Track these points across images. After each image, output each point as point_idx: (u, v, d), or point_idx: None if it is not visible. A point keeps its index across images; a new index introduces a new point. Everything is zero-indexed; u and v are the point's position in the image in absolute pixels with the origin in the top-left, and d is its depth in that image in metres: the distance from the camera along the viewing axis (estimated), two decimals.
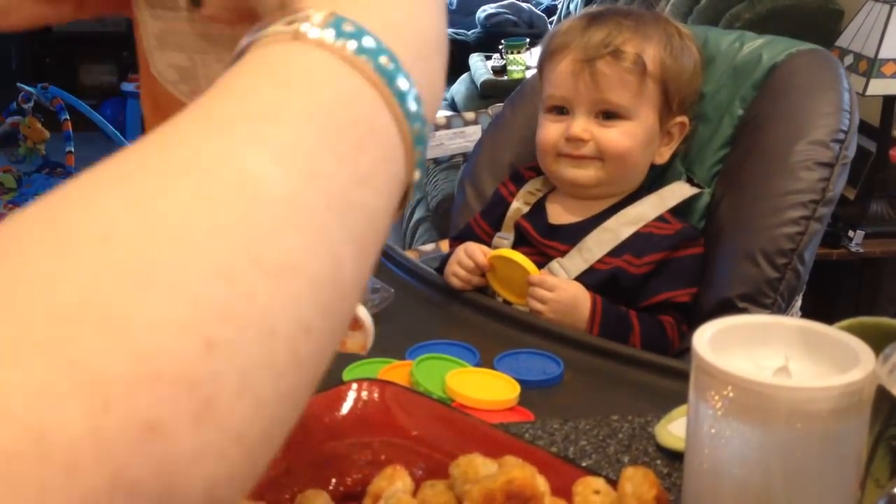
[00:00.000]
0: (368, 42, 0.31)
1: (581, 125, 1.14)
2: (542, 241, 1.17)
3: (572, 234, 1.15)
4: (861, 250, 2.06)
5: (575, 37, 1.15)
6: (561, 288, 1.07)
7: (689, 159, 1.24)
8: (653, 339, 1.07)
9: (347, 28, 0.30)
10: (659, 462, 0.72)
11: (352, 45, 0.30)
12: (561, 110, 1.17)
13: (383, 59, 0.31)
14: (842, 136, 1.12)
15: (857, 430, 0.50)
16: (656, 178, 1.22)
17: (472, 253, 1.12)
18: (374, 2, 0.33)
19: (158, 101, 0.44)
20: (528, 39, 3.56)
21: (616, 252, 1.13)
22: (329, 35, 0.30)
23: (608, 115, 1.14)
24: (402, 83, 0.31)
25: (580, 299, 1.07)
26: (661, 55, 1.14)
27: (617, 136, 1.14)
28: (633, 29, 1.14)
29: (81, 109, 3.86)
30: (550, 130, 1.17)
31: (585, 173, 1.15)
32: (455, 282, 1.12)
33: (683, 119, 1.19)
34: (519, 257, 1.09)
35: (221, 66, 0.42)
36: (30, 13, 0.41)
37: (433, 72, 0.34)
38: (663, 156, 1.19)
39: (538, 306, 1.06)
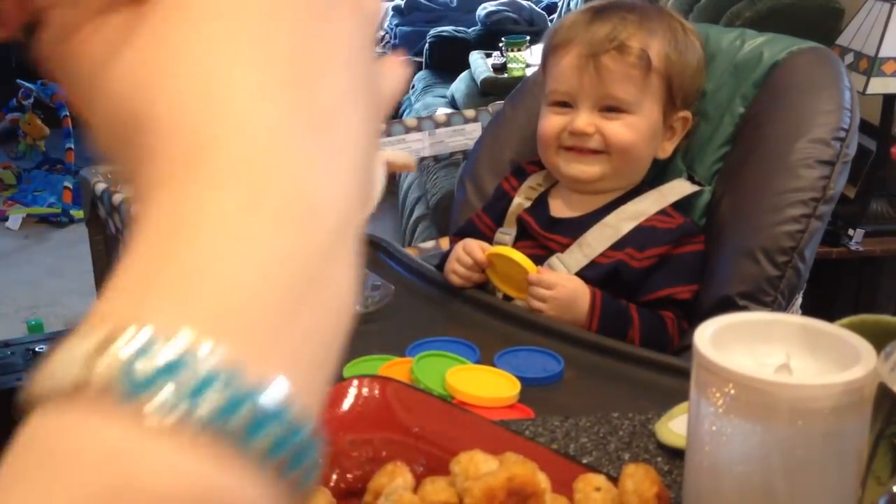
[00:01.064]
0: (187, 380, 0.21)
1: (585, 119, 1.14)
2: (544, 233, 1.17)
3: (573, 228, 1.15)
4: (861, 249, 2.05)
5: (579, 31, 1.15)
6: (560, 285, 1.07)
7: (690, 157, 1.23)
8: (653, 333, 1.07)
9: (150, 366, 0.20)
10: (660, 459, 0.72)
11: (159, 404, 0.20)
12: (565, 104, 1.17)
13: (213, 400, 0.21)
14: (843, 134, 1.12)
15: (859, 427, 0.50)
16: (657, 175, 1.22)
17: (471, 250, 1.12)
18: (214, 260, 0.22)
19: None
20: (528, 37, 3.55)
21: (618, 245, 1.13)
22: (125, 389, 0.20)
23: (612, 109, 1.14)
24: (262, 432, 0.21)
25: (579, 294, 1.07)
26: (666, 50, 1.14)
27: (621, 129, 1.14)
28: (638, 24, 1.14)
29: None
30: (552, 122, 1.17)
31: (590, 169, 1.15)
32: (455, 279, 1.12)
33: (686, 114, 1.19)
34: (517, 255, 1.08)
35: None
36: None
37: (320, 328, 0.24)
38: (666, 150, 1.19)
39: (538, 305, 1.06)
